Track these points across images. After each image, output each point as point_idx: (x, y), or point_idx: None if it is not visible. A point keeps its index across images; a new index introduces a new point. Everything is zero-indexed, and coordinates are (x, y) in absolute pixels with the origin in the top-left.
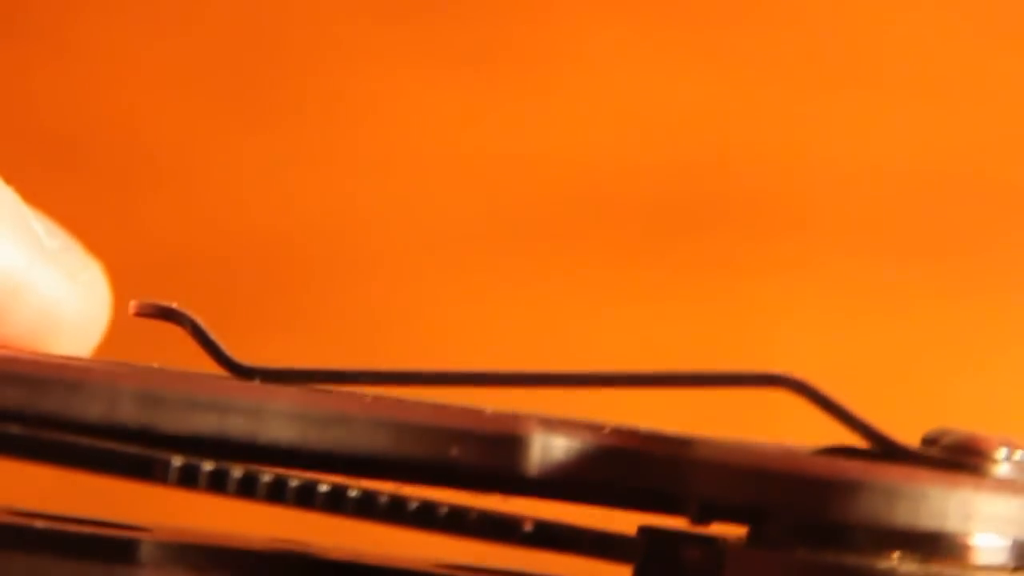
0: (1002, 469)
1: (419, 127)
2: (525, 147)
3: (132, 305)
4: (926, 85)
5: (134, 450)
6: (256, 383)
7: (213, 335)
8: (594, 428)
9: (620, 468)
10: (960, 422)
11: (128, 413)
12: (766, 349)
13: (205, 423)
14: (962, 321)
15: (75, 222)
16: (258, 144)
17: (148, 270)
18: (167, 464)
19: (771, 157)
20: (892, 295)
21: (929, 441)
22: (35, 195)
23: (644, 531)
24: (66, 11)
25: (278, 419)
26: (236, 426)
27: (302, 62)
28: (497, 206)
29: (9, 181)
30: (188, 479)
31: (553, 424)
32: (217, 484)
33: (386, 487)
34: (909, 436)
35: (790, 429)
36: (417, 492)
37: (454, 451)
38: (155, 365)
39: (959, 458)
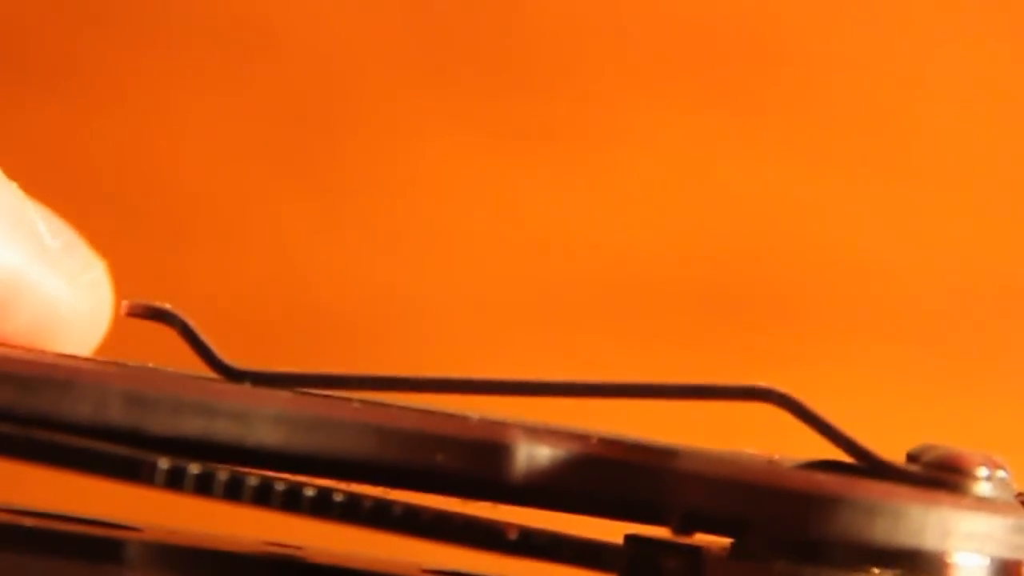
0: (982, 487)
1: (471, 201)
2: (576, 225)
3: (124, 305)
4: (978, 182)
5: (122, 451)
6: (245, 386)
7: (204, 337)
8: (580, 437)
9: (604, 478)
10: None
11: (116, 414)
12: (807, 439)
13: (192, 425)
14: (1001, 421)
15: (121, 276)
16: (308, 209)
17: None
18: (154, 466)
19: (821, 248)
20: (936, 390)
21: (913, 458)
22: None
23: (630, 540)
24: (119, 69)
25: (265, 422)
26: (223, 429)
27: (358, 129)
28: (545, 283)
29: None
30: (175, 481)
31: (539, 433)
32: (203, 487)
33: (373, 491)
34: None
35: (784, 441)
36: (404, 497)
37: (439, 457)
38: (150, 365)
39: (940, 475)
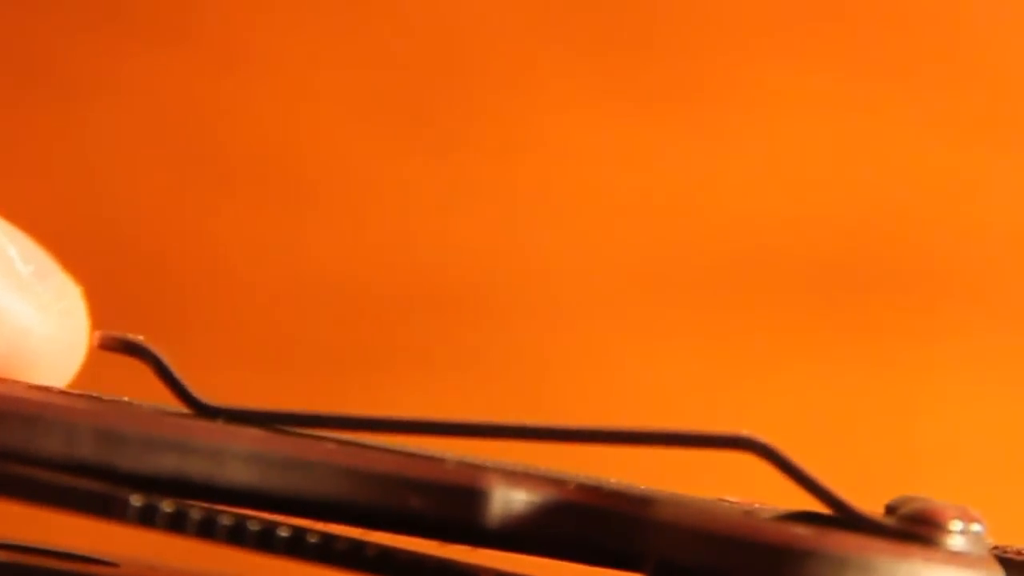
0: (955, 541)
1: (593, 168)
2: (707, 191)
3: (95, 336)
4: None
5: (93, 487)
6: (218, 423)
7: (176, 372)
8: (557, 482)
9: (580, 525)
10: None
11: (87, 450)
12: (923, 415)
13: (164, 463)
14: None
15: (238, 242)
16: (428, 176)
17: (307, 295)
18: (126, 503)
19: (944, 222)
20: None
21: (892, 509)
22: (197, 211)
23: None
24: (240, 28)
25: (237, 462)
26: (195, 466)
27: (480, 93)
28: (675, 250)
29: (174, 196)
30: (147, 518)
31: (516, 477)
32: (176, 525)
33: (349, 532)
34: None
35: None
36: (381, 538)
37: (413, 502)
38: (124, 398)
39: (913, 528)
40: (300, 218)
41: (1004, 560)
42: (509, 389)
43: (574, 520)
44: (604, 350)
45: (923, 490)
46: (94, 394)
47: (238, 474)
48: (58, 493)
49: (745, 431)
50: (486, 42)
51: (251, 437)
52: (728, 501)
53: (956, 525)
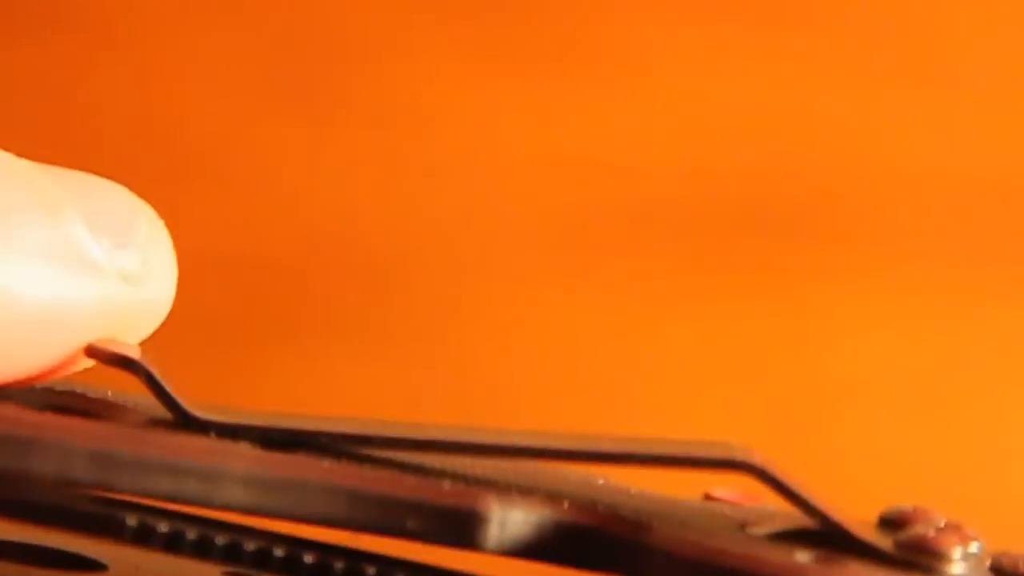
0: (956, 568)
1: (481, 126)
2: (591, 148)
3: (88, 348)
4: (1004, 89)
5: (89, 508)
6: (211, 440)
7: (168, 385)
8: (554, 499)
9: (576, 547)
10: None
11: (81, 472)
12: (831, 356)
13: (159, 484)
14: None
15: None
16: (316, 144)
17: (202, 271)
18: (122, 524)
19: (842, 161)
20: (963, 303)
21: (887, 522)
22: None
23: None
24: (114, 7)
25: (232, 483)
26: (190, 488)
27: (363, 58)
28: (561, 207)
29: None
30: (143, 537)
31: (512, 498)
32: (172, 545)
33: (347, 541)
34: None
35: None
36: (378, 547)
37: (409, 524)
38: (117, 395)
39: (915, 557)
40: (187, 195)
41: (1003, 574)
42: (413, 353)
43: (571, 543)
44: (511, 306)
45: (832, 425)
46: (88, 391)
47: (233, 496)
48: (54, 513)
49: (739, 451)
50: (356, 11)
51: (245, 457)
52: (722, 503)
53: (956, 552)
